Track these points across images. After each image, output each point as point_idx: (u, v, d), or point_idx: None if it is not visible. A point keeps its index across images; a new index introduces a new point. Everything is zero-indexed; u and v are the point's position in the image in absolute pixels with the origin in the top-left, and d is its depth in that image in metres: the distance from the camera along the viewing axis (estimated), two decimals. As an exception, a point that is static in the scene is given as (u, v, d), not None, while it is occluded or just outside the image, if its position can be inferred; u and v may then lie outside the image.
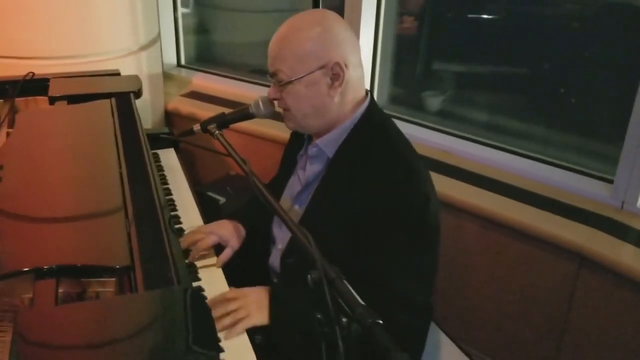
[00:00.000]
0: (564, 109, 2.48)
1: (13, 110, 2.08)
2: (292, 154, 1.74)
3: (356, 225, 1.43)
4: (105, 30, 2.70)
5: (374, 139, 1.52)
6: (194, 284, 1.55)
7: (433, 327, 1.87)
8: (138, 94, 2.23)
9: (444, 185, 2.33)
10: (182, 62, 3.62)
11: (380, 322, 0.83)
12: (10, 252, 1.21)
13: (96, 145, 1.75)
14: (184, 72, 3.55)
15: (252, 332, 1.40)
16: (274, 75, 1.48)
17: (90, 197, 1.48)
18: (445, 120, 2.73)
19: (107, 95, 2.12)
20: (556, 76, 2.48)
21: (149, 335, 1.01)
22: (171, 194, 2.04)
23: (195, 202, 2.01)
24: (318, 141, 1.56)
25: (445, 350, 1.86)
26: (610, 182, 2.18)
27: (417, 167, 1.49)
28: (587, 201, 2.19)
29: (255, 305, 1.41)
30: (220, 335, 1.34)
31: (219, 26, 3.86)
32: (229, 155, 1.42)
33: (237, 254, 1.69)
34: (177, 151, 2.39)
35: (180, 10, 3.60)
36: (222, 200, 2.63)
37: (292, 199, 1.67)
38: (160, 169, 2.22)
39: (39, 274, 1.15)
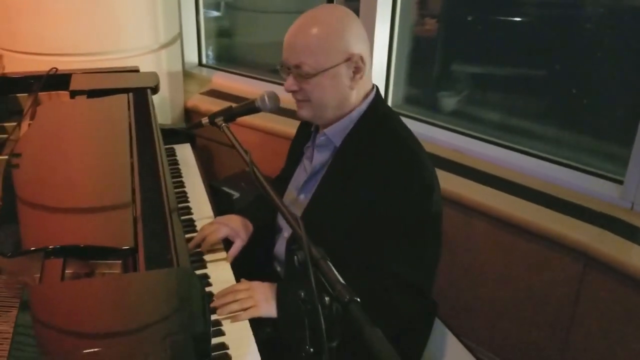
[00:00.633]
0: (576, 110, 2.48)
1: (36, 104, 2.17)
2: (298, 146, 1.79)
3: (360, 213, 1.49)
4: (126, 28, 2.78)
5: (379, 130, 1.57)
6: (200, 272, 1.62)
7: (438, 323, 1.89)
8: (155, 89, 2.30)
9: (454, 184, 2.36)
10: (203, 61, 3.70)
11: (357, 299, 0.87)
12: (23, 233, 1.28)
13: (110, 136, 1.82)
14: (204, 71, 3.63)
15: (260, 325, 1.45)
16: (296, 67, 1.51)
17: (101, 184, 1.55)
18: (460, 120, 2.75)
19: (125, 90, 2.19)
20: (568, 77, 2.49)
21: (146, 310, 1.07)
22: (184, 187, 2.11)
23: (207, 194, 2.07)
24: (326, 130, 1.61)
25: (450, 347, 1.88)
26: (621, 182, 2.18)
27: (420, 158, 1.53)
28: (596, 202, 2.19)
29: (262, 296, 1.47)
30: (227, 321, 1.41)
31: (250, 28, 3.95)
32: (233, 146, 1.47)
33: (244, 247, 1.74)
34: (193, 146, 2.46)
35: (214, 13, 3.75)
36: (236, 195, 2.69)
37: (298, 190, 1.72)
38: (175, 162, 2.29)
39: (47, 253, 1.22)
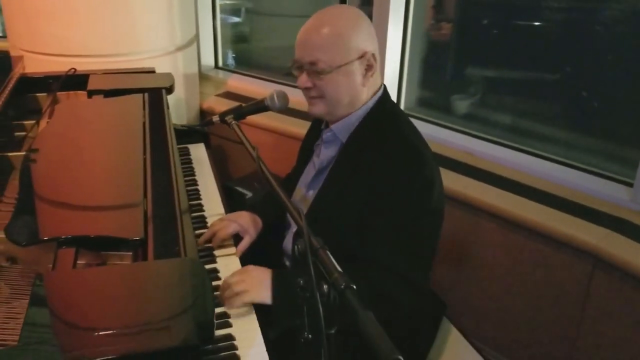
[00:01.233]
0: (586, 113, 2.49)
1: (54, 103, 2.23)
2: (308, 145, 1.83)
3: (364, 206, 1.52)
4: (143, 31, 2.84)
5: (385, 126, 1.60)
6: (210, 266, 1.66)
7: (446, 323, 1.90)
8: (170, 90, 2.35)
9: (465, 185, 2.38)
10: (220, 64, 3.76)
11: (353, 286, 0.90)
12: (38, 224, 1.33)
13: (125, 134, 1.87)
14: (220, 74, 3.70)
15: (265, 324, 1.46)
16: (311, 64, 1.54)
17: (114, 179, 1.60)
18: (472, 123, 2.77)
19: (140, 91, 2.25)
20: (579, 81, 2.50)
21: (153, 295, 1.11)
22: (197, 184, 2.15)
23: (219, 192, 2.12)
24: (332, 127, 1.65)
25: (457, 347, 1.89)
26: (631, 185, 2.18)
27: (422, 154, 1.56)
28: (606, 204, 2.19)
29: (256, 280, 1.47)
30: (233, 312, 1.43)
31: (269, 32, 4.02)
32: (241, 142, 1.51)
33: (253, 242, 1.78)
34: (207, 146, 2.51)
35: (234, 19, 3.87)
36: (248, 194, 2.74)
37: (306, 186, 1.75)
38: (189, 161, 2.34)
39: (60, 243, 1.26)
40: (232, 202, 2.16)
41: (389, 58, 2.81)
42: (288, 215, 1.81)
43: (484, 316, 2.42)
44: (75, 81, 2.35)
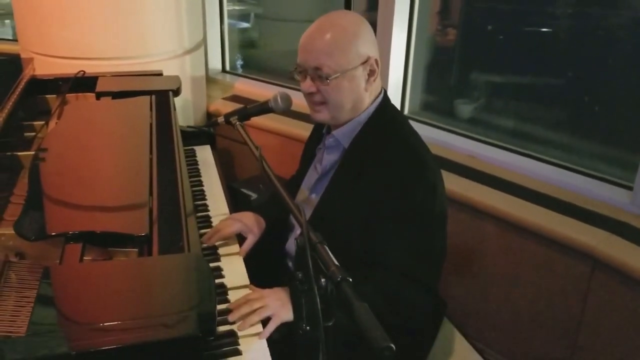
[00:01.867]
0: (588, 118, 2.52)
1: (63, 104, 2.27)
2: (311, 148, 1.86)
3: (367, 211, 1.54)
4: (151, 34, 2.89)
5: (386, 131, 1.62)
6: (214, 265, 1.69)
7: (447, 323, 1.93)
8: (177, 92, 2.39)
9: (467, 188, 2.40)
10: (227, 68, 3.81)
11: (349, 279, 0.93)
12: (46, 220, 1.37)
13: (132, 134, 1.91)
14: (228, 77, 3.74)
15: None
16: (316, 69, 1.56)
17: (121, 178, 1.64)
18: (475, 127, 2.80)
19: (148, 93, 2.28)
20: (581, 86, 2.52)
21: (158, 289, 1.15)
22: (202, 185, 2.19)
23: (225, 193, 2.15)
24: (334, 132, 1.68)
25: (458, 347, 1.91)
26: (631, 189, 2.20)
27: (425, 158, 1.59)
28: (606, 207, 2.21)
29: (278, 302, 1.48)
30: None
31: (277, 37, 4.08)
32: (245, 143, 1.54)
33: (257, 243, 1.81)
34: (213, 148, 2.55)
35: (243, 24, 3.98)
36: (253, 196, 2.77)
37: (309, 189, 1.78)
38: (195, 162, 2.38)
39: (67, 238, 1.30)
40: (237, 203, 2.20)
41: (394, 63, 2.84)
42: (291, 217, 1.85)
43: (484, 317, 2.44)
44: (84, 83, 2.39)
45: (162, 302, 1.10)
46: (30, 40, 2.92)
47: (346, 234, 1.54)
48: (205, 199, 2.09)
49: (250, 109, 1.72)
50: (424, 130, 2.75)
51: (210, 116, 3.43)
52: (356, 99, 1.60)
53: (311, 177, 1.81)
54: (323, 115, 1.64)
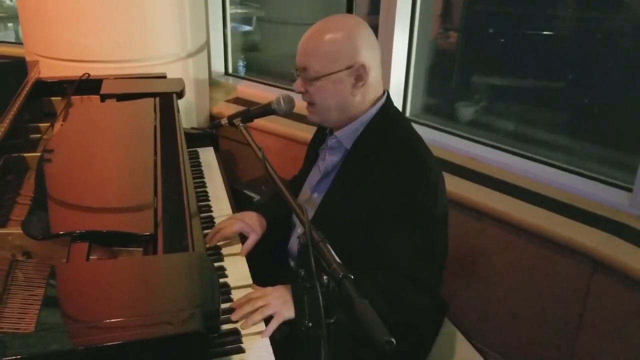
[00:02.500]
0: (588, 120, 2.54)
1: (69, 106, 2.30)
2: (314, 148, 1.88)
3: (369, 212, 1.56)
4: (155, 37, 2.91)
5: (388, 133, 1.64)
6: (217, 264, 1.71)
7: (448, 323, 1.94)
8: (180, 94, 2.41)
9: (469, 190, 2.42)
10: (230, 70, 3.83)
11: (351, 276, 0.95)
12: (52, 220, 1.39)
13: (136, 136, 1.94)
14: (230, 80, 3.77)
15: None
16: (303, 70, 1.60)
17: (125, 178, 1.67)
18: (476, 129, 2.82)
19: (152, 95, 2.31)
20: (581, 88, 2.54)
21: (162, 287, 1.17)
22: (205, 186, 2.21)
23: (227, 194, 2.17)
24: (337, 133, 1.69)
25: (459, 347, 1.92)
26: (630, 190, 2.22)
27: (426, 159, 1.60)
28: (606, 208, 2.23)
29: (280, 301, 1.50)
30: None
31: (279, 40, 4.10)
32: (249, 144, 1.56)
33: (259, 242, 1.82)
34: (217, 149, 2.57)
35: (245, 28, 4.01)
36: (256, 197, 2.79)
37: (312, 189, 1.80)
38: (198, 164, 2.40)
39: (73, 238, 1.32)
40: (240, 205, 2.21)
41: (395, 66, 2.86)
42: (294, 216, 1.87)
43: (485, 317, 2.46)
44: (89, 86, 2.41)
45: (167, 299, 1.12)
46: (35, 43, 2.95)
47: (348, 235, 1.55)
48: (208, 200, 2.11)
49: (253, 110, 1.74)
50: (425, 133, 2.74)
51: (213, 118, 3.46)
52: (342, 102, 1.61)
53: (314, 177, 1.83)
54: (313, 117, 1.68)
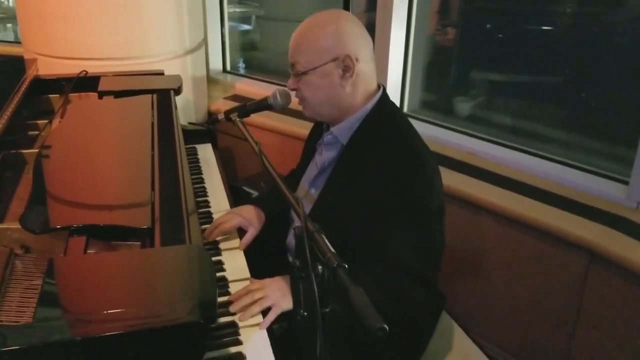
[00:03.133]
0: (585, 114, 2.54)
1: (66, 103, 2.31)
2: (311, 143, 1.89)
3: (366, 207, 1.56)
4: (153, 35, 2.92)
5: (384, 128, 1.64)
6: (215, 259, 1.72)
7: (446, 316, 1.95)
8: (178, 91, 2.42)
9: (465, 184, 2.43)
10: (228, 68, 3.85)
11: (345, 265, 0.95)
12: (50, 214, 1.40)
13: (134, 131, 1.94)
14: (228, 77, 3.78)
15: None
16: (292, 66, 1.63)
17: (123, 173, 1.67)
18: (473, 124, 2.83)
19: (149, 91, 2.31)
20: (577, 82, 2.55)
21: (160, 279, 1.18)
22: (204, 182, 2.22)
23: (225, 190, 2.18)
24: (333, 129, 1.70)
25: (457, 340, 1.93)
26: (626, 183, 2.23)
27: (422, 154, 1.61)
28: (603, 201, 2.24)
29: (279, 292, 1.51)
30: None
31: (277, 39, 4.12)
32: (245, 139, 1.57)
33: (257, 236, 1.83)
34: (215, 146, 2.58)
35: (244, 27, 4.04)
36: (255, 194, 2.81)
37: (309, 184, 1.81)
38: (196, 160, 2.41)
39: (71, 232, 1.33)
40: (238, 201, 2.22)
41: (392, 61, 2.87)
42: (291, 211, 1.87)
43: (483, 310, 2.47)
44: (87, 83, 2.43)
45: (164, 290, 1.13)
46: (33, 41, 2.96)
47: (345, 229, 1.56)
48: (206, 196, 2.12)
49: (249, 105, 1.75)
50: (423, 128, 2.78)
51: (211, 116, 3.47)
52: (332, 95, 1.62)
53: (311, 172, 1.83)
54: (306, 112, 1.70)
